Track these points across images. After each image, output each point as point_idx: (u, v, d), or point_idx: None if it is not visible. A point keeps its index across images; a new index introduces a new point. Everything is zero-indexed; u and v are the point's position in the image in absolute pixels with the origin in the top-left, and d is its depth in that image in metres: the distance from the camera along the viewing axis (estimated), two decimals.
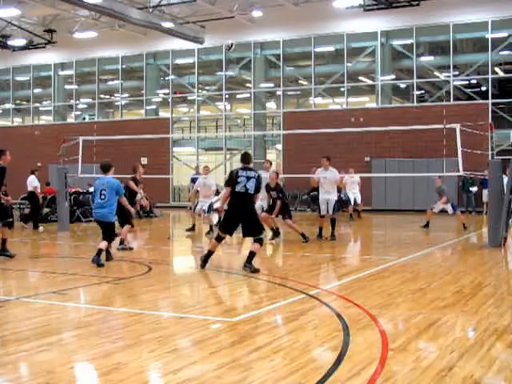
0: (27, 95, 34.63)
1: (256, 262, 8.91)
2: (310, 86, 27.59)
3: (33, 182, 16.86)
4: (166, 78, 31.41)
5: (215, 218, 17.45)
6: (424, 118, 22.31)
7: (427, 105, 26.38)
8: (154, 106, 31.82)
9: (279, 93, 28.80)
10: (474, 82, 26.80)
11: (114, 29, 28.54)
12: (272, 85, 30.03)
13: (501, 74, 26.54)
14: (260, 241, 8.91)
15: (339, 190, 15.22)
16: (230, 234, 9.31)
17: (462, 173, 13.54)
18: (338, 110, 27.54)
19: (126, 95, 33.15)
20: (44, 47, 29.04)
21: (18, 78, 35.02)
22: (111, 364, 4.44)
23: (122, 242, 11.53)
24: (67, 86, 33.77)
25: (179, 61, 31.30)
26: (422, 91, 28.70)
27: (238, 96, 32.47)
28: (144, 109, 31.19)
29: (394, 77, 27.45)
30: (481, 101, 24.85)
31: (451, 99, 25.21)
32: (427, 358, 4.65)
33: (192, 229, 15.31)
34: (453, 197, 23.64)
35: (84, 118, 34.87)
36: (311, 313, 6.19)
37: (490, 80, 24.53)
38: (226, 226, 9.04)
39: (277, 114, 29.70)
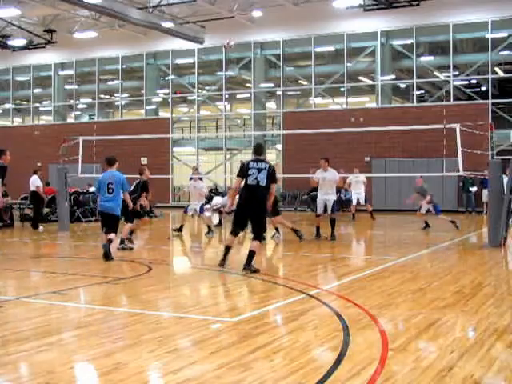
0: (27, 95, 34.62)
1: (256, 262, 8.91)
2: (310, 86, 27.59)
3: (35, 182, 16.88)
4: (166, 78, 31.40)
5: (215, 218, 17.48)
6: (424, 118, 22.30)
7: (427, 105, 26.37)
8: (153, 106, 31.81)
9: (279, 93, 28.79)
10: (473, 81, 26.80)
11: (114, 29, 28.54)
12: (272, 85, 30.03)
13: (501, 73, 26.54)
14: (259, 238, 8.93)
15: (339, 191, 15.18)
16: (243, 229, 9.41)
17: (462, 173, 13.56)
18: (337, 110, 27.53)
19: (126, 95, 33.15)
20: (44, 47, 29.05)
21: (18, 78, 35.01)
22: (111, 364, 4.44)
23: (122, 242, 11.56)
24: (67, 86, 33.77)
25: (179, 61, 31.29)
26: (422, 91, 28.70)
27: (237, 96, 32.47)
28: (144, 109, 31.17)
29: (393, 77, 27.44)
30: (481, 101, 24.84)
31: (451, 99, 25.19)
32: (427, 358, 4.65)
33: (179, 229, 15.02)
34: (453, 197, 23.95)
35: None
36: (311, 313, 6.19)
37: (489, 80, 24.53)
38: (238, 221, 9.08)
39: (277, 114, 29.70)
